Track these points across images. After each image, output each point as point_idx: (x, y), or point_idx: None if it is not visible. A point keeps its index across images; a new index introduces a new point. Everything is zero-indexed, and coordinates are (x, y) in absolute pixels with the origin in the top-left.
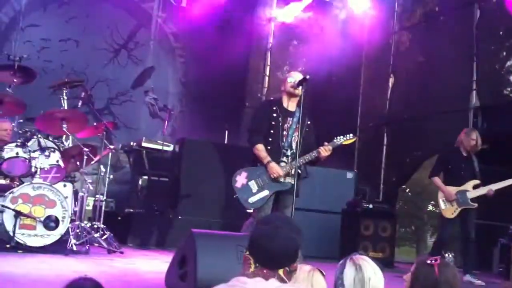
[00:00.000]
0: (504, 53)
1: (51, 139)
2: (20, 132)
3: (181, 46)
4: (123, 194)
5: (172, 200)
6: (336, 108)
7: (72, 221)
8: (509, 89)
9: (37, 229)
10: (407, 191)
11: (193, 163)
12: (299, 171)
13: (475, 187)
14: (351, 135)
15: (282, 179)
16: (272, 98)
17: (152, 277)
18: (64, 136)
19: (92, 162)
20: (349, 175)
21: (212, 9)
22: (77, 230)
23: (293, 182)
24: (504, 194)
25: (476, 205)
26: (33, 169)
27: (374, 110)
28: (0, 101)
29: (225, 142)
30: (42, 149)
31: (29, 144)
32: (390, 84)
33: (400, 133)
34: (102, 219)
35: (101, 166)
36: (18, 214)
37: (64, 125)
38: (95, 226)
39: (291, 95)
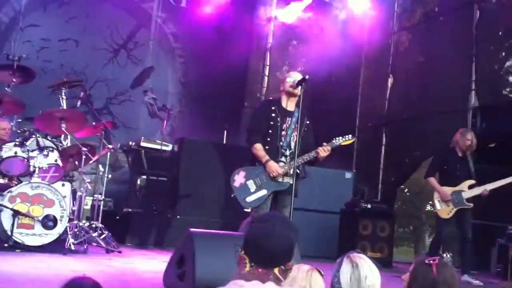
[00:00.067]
0: (504, 54)
1: (49, 139)
2: (19, 131)
3: (181, 46)
4: (121, 194)
5: (170, 199)
6: (336, 108)
7: (70, 220)
8: (508, 89)
9: (35, 228)
10: (405, 191)
11: (192, 163)
12: (298, 171)
13: (471, 187)
14: (350, 136)
15: (280, 179)
16: (271, 98)
17: (151, 277)
18: (63, 136)
19: (91, 162)
20: (348, 175)
21: (211, 9)
22: (75, 230)
23: (291, 182)
24: (502, 194)
25: (471, 205)
26: (31, 169)
27: (373, 110)
28: None
29: (224, 142)
30: (41, 149)
31: (27, 143)
32: (389, 84)
33: (399, 133)
34: (100, 218)
35: (100, 166)
36: (16, 213)
37: (63, 125)
38: (94, 225)
39: (290, 95)
